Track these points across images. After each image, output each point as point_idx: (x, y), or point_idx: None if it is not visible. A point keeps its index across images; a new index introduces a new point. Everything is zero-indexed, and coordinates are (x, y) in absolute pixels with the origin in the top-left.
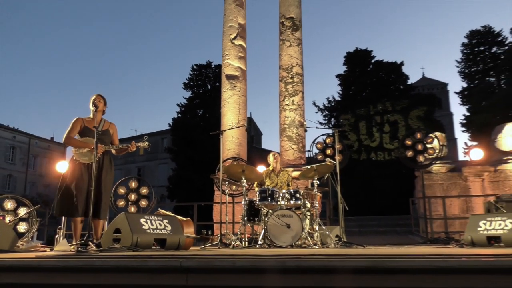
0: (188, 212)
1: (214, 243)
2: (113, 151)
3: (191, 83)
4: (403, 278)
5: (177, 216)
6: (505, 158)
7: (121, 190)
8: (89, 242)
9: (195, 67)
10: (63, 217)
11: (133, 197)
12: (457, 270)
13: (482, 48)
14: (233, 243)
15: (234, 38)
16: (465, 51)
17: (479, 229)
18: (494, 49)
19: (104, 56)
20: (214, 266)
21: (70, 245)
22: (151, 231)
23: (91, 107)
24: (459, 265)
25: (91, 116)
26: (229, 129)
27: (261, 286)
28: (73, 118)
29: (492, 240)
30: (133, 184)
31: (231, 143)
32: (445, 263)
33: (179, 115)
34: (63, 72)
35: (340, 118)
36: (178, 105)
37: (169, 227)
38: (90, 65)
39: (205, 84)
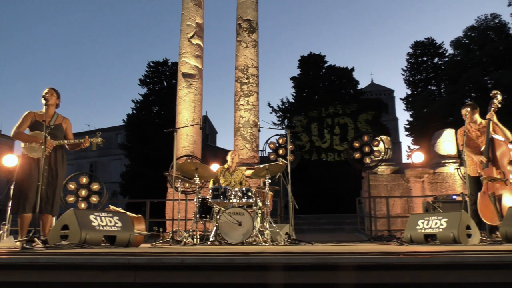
0: (140, 209)
1: (165, 240)
2: (67, 146)
3: (147, 80)
4: (347, 274)
5: (128, 213)
6: (443, 161)
7: (71, 186)
8: (35, 239)
9: (151, 64)
10: (8, 213)
11: (83, 193)
12: (395, 266)
13: (425, 59)
14: (184, 240)
15: (192, 37)
16: (410, 60)
17: (417, 227)
18: (436, 59)
19: (59, 51)
20: (162, 263)
21: (16, 242)
22: (101, 228)
23: (42, 101)
24: (397, 262)
25: (43, 110)
26: (184, 126)
27: (210, 283)
28: (24, 112)
29: (429, 238)
30: (84, 180)
31: (186, 140)
32: (385, 260)
33: (134, 112)
34: (14, 66)
35: (293, 119)
36: (133, 101)
37: (119, 224)
38: (44, 59)
39: (161, 81)
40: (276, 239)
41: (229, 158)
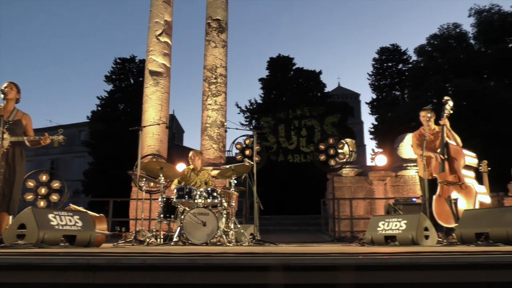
0: (104, 208)
1: (128, 240)
2: (27, 143)
3: (113, 76)
4: (307, 275)
5: (89, 212)
6: (405, 165)
7: (30, 184)
8: None
9: (118, 61)
10: None
11: (43, 191)
12: (354, 267)
13: (390, 64)
14: (147, 240)
15: (160, 35)
16: (375, 65)
17: (378, 229)
18: (400, 66)
19: (21, 45)
20: (123, 264)
21: None
22: (60, 227)
23: (1, 95)
24: (356, 263)
25: (2, 105)
26: (150, 125)
27: (172, 284)
28: None
29: (389, 239)
30: (44, 178)
31: (152, 139)
32: (344, 260)
33: (99, 108)
34: None
35: (261, 120)
36: (98, 97)
37: (79, 223)
38: (4, 53)
39: (128, 78)
40: (241, 240)
41: (189, 159)
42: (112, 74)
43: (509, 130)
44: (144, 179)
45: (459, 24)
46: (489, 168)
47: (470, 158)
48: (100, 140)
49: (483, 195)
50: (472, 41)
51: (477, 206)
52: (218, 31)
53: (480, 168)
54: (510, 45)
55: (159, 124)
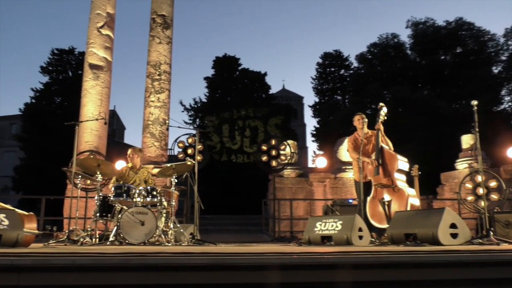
0: (36, 206)
1: (60, 239)
2: None
3: (50, 68)
4: (243, 274)
5: (17, 210)
6: (344, 167)
7: None
8: None
9: (55, 52)
10: None
11: None
12: (289, 267)
13: (332, 69)
14: (81, 240)
15: (101, 27)
16: (319, 70)
17: (315, 229)
18: (342, 71)
19: None
20: (51, 265)
21: None
22: None
23: None
24: (290, 262)
25: None
26: (87, 120)
27: (104, 285)
28: None
29: (325, 239)
30: None
31: (90, 135)
32: (279, 260)
33: (33, 101)
34: None
35: (205, 119)
36: (32, 89)
37: (6, 222)
38: None
39: (66, 70)
40: (180, 239)
41: (128, 157)
42: (48, 65)
43: (440, 137)
44: (80, 176)
45: (397, 34)
46: (419, 172)
47: (402, 162)
48: (34, 135)
49: (413, 197)
50: (408, 52)
51: (408, 208)
52: (163, 27)
53: (411, 172)
54: (442, 57)
55: (97, 119)
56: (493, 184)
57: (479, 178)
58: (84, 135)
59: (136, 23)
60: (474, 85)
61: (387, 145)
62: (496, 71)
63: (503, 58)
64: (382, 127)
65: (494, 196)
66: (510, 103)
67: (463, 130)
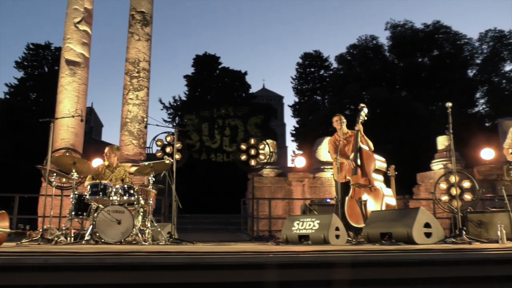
0: (9, 205)
1: (34, 238)
2: None
3: (25, 63)
4: (220, 273)
5: None
6: (322, 167)
7: None
8: None
9: (31, 46)
10: None
11: None
12: (265, 266)
13: (312, 70)
14: (56, 239)
15: (79, 22)
16: (299, 70)
17: (293, 228)
18: (322, 71)
19: None
20: (22, 264)
21: None
22: None
23: None
24: (265, 261)
25: None
26: (63, 117)
27: (77, 285)
28: None
29: (303, 239)
30: None
31: (66, 132)
32: (255, 259)
33: (7, 96)
34: None
35: (184, 118)
36: (6, 85)
37: None
38: None
39: (42, 66)
40: (158, 239)
41: (104, 155)
42: (24, 60)
43: (417, 138)
44: (55, 174)
45: (376, 36)
46: (396, 173)
47: (380, 162)
48: (8, 131)
49: (389, 197)
50: (387, 53)
51: (383, 208)
52: (142, 24)
53: (388, 172)
54: (419, 60)
55: (74, 116)
56: (466, 184)
57: (453, 179)
58: (60, 132)
59: (115, 20)
60: (450, 88)
61: (367, 145)
62: (471, 74)
63: (478, 61)
64: (362, 128)
65: (468, 196)
66: (484, 106)
67: (439, 132)
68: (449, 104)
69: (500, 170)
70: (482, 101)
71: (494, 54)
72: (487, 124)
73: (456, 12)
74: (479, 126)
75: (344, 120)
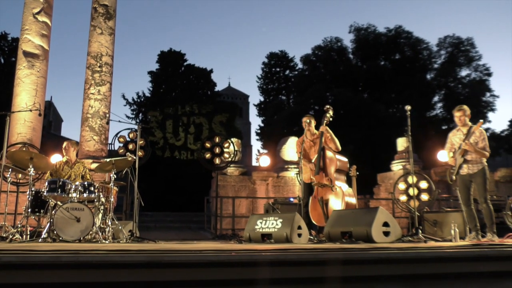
0: None
1: None
2: None
3: None
4: (180, 271)
5: None
6: (286, 166)
7: None
8: None
9: None
10: None
11: None
12: (227, 264)
13: (278, 69)
14: (11, 236)
15: (38, 13)
16: (264, 69)
17: (256, 227)
18: (287, 72)
19: None
20: None
21: None
22: None
23: None
24: (228, 259)
25: None
26: (20, 111)
27: (32, 283)
28: None
29: (265, 237)
30: None
31: (23, 126)
32: (217, 257)
33: None
34: None
35: (148, 114)
36: None
37: None
38: None
39: None
40: (119, 237)
41: (63, 151)
42: None
43: (379, 139)
44: (10, 169)
45: (340, 38)
46: (357, 173)
47: (342, 163)
48: None
49: (350, 197)
50: (351, 56)
51: (344, 207)
52: (105, 17)
53: (350, 172)
54: (382, 63)
55: (31, 110)
56: (424, 185)
57: (411, 180)
58: (17, 126)
59: (77, 12)
60: (410, 91)
61: (334, 144)
62: (429, 78)
63: (436, 66)
64: (327, 129)
65: (425, 197)
66: (441, 110)
67: (399, 133)
68: (408, 107)
69: None
70: (439, 105)
71: (452, 59)
72: (444, 127)
73: (417, 17)
74: (436, 129)
75: (313, 121)
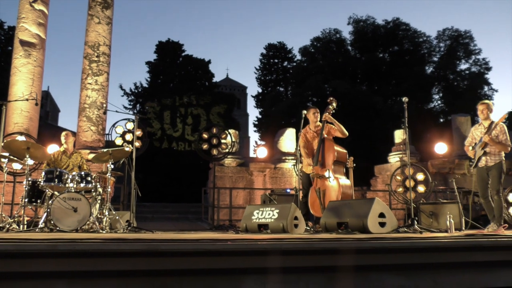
0: None
1: None
2: None
3: None
4: (176, 260)
5: None
6: (283, 157)
7: None
8: None
9: None
10: None
11: None
12: (223, 253)
13: (276, 61)
14: (7, 226)
15: (34, 1)
16: (263, 60)
17: (252, 217)
18: (286, 63)
19: None
20: None
21: None
22: None
23: None
24: (224, 248)
25: None
26: (16, 100)
27: (30, 272)
28: None
29: (262, 227)
30: None
31: (20, 116)
32: (213, 246)
33: None
34: None
35: (146, 105)
36: None
37: None
38: None
39: None
40: (116, 227)
41: (62, 139)
42: None
43: (376, 131)
44: (7, 159)
45: (339, 30)
46: (354, 164)
47: (341, 154)
48: None
49: (347, 188)
50: (349, 47)
51: (341, 198)
52: (102, 6)
53: (347, 164)
54: (380, 55)
55: (28, 100)
56: (420, 177)
57: (408, 171)
58: (13, 116)
59: (75, 1)
60: (408, 83)
61: (341, 131)
62: (428, 71)
63: (435, 59)
64: (330, 117)
65: (421, 188)
66: (439, 102)
67: (397, 125)
68: (405, 99)
69: (452, 164)
70: (437, 97)
71: (451, 52)
72: (441, 120)
73: (415, 9)
74: (433, 121)
75: (317, 111)
